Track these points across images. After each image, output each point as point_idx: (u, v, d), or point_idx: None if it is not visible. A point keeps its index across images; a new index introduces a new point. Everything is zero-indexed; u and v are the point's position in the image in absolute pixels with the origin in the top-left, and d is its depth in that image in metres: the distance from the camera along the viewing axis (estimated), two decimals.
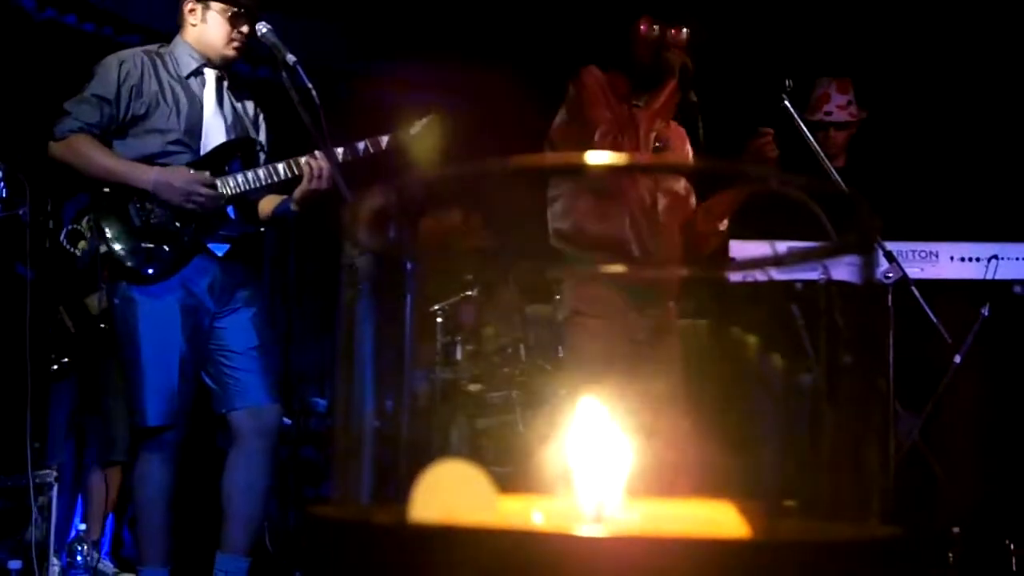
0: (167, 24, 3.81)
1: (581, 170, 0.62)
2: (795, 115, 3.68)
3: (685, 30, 3.50)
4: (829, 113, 4.40)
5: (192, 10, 3.58)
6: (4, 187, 3.62)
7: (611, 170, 0.60)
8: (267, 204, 3.69)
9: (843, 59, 4.83)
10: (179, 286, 3.44)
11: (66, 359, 4.35)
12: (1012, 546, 3.91)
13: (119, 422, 4.51)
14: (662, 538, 0.52)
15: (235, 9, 3.53)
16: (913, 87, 5.22)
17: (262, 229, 3.72)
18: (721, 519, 0.59)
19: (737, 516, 0.59)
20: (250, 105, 3.74)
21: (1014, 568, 3.89)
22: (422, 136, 3.69)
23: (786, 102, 3.65)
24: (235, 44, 3.55)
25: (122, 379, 4.55)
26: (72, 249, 4.45)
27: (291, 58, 3.39)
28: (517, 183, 0.64)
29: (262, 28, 3.44)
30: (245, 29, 3.54)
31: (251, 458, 3.49)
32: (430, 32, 5.63)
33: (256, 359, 3.54)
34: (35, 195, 3.75)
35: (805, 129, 3.72)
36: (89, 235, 4.52)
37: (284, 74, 3.55)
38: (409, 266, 0.73)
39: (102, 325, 4.37)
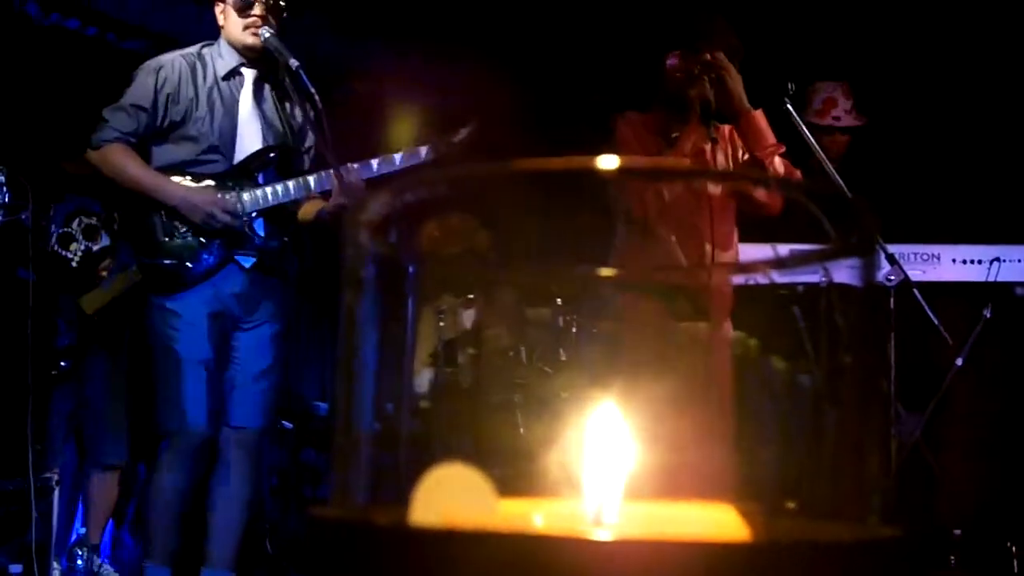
0: (170, 29, 3.80)
1: (591, 173, 0.62)
2: (797, 118, 3.68)
3: (710, 56, 3.47)
4: (838, 118, 4.41)
5: (220, 11, 3.55)
6: (6, 191, 3.61)
7: (615, 174, 0.60)
8: (309, 208, 3.64)
9: (846, 61, 4.83)
10: (209, 288, 3.43)
11: (63, 363, 4.36)
12: (1014, 548, 3.91)
13: (119, 425, 4.52)
14: (662, 541, 0.52)
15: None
16: (915, 89, 5.22)
17: (285, 240, 3.59)
18: (722, 521, 0.59)
19: (738, 518, 0.59)
20: (299, 109, 3.64)
21: (1016, 570, 3.89)
22: (464, 145, 3.59)
23: (788, 105, 3.65)
24: (252, 30, 3.48)
25: (122, 382, 4.57)
26: (63, 252, 4.46)
27: (294, 62, 3.38)
28: (519, 186, 0.64)
29: (264, 33, 3.43)
30: (258, 11, 3.49)
31: (235, 472, 3.48)
32: (439, 37, 5.62)
33: (261, 380, 3.53)
34: (37, 199, 3.75)
35: (807, 132, 3.72)
36: (80, 237, 4.53)
37: (287, 79, 3.54)
38: (411, 269, 0.73)
39: (99, 326, 4.40)
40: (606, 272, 0.74)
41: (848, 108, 4.45)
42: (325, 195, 3.54)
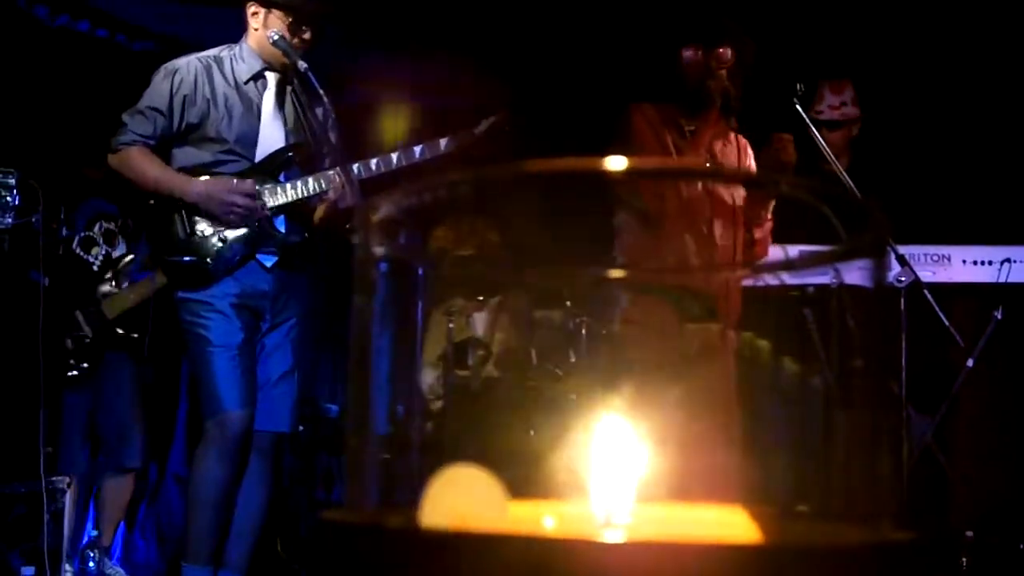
0: (181, 31, 3.80)
1: (601, 175, 0.62)
2: (805, 118, 3.68)
3: (729, 51, 3.49)
4: (820, 112, 4.42)
5: (255, 13, 3.54)
6: (17, 194, 3.63)
7: (628, 175, 0.60)
8: (323, 207, 3.65)
9: (853, 61, 4.82)
10: (232, 283, 3.44)
11: (85, 364, 4.37)
12: None
13: (137, 428, 4.53)
14: (673, 544, 0.52)
15: (297, 20, 3.48)
16: (924, 90, 5.21)
17: (306, 236, 3.58)
18: (733, 524, 0.59)
19: (749, 521, 0.59)
20: (320, 109, 3.61)
21: None
22: (488, 137, 3.54)
23: (797, 106, 3.64)
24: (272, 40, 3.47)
25: (142, 387, 4.58)
26: (85, 256, 4.49)
27: (302, 65, 3.38)
28: (531, 188, 0.64)
29: (273, 35, 3.44)
30: (307, 36, 3.49)
31: (251, 476, 3.48)
32: (444, 37, 5.62)
33: (283, 384, 3.53)
34: (48, 202, 3.76)
35: (816, 132, 3.72)
36: (101, 241, 4.56)
37: (295, 80, 3.55)
38: (421, 272, 0.73)
39: (119, 330, 4.41)
40: (620, 274, 0.74)
41: (835, 104, 4.45)
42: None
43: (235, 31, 3.61)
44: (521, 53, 5.50)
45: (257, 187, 3.45)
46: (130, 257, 4.55)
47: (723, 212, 3.48)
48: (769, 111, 3.70)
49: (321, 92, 3.37)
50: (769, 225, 3.63)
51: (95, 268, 4.51)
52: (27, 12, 5.19)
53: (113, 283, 4.49)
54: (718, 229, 3.45)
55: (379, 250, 0.68)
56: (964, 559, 3.92)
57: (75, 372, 4.35)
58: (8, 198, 3.60)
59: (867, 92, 4.54)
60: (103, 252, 4.54)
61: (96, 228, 4.56)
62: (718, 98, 3.51)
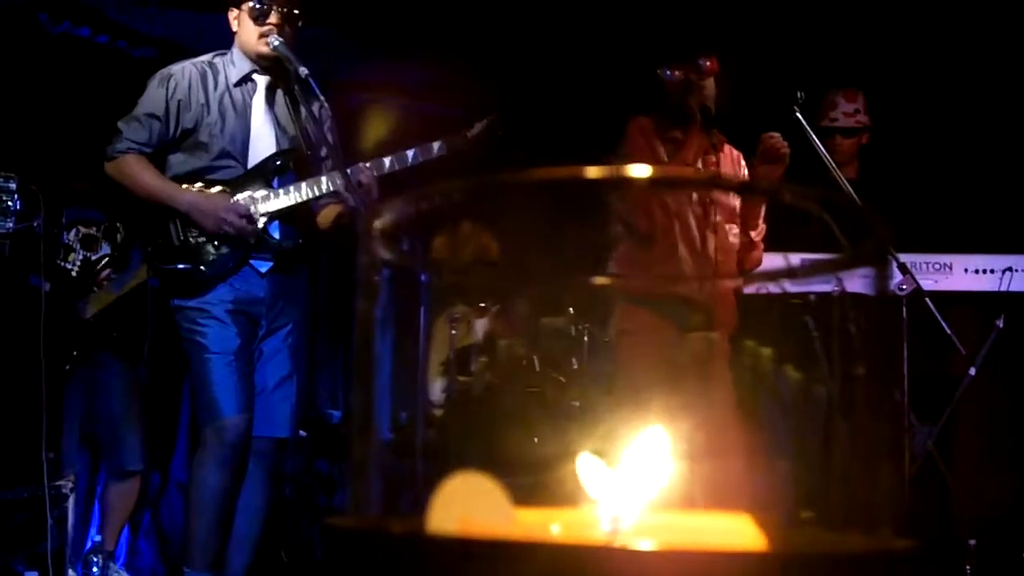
0: (182, 37, 3.80)
1: (590, 184, 0.62)
2: (806, 126, 3.68)
3: (709, 62, 3.54)
4: (835, 119, 4.44)
5: (235, 17, 3.55)
6: (18, 200, 3.63)
7: (623, 184, 0.61)
8: (329, 213, 3.64)
9: (858, 72, 4.83)
10: (226, 289, 3.43)
11: (67, 366, 4.36)
12: None
13: (136, 432, 4.53)
14: (679, 551, 0.53)
15: (258, 5, 3.46)
16: (927, 100, 5.22)
17: (300, 242, 3.56)
18: (738, 531, 0.59)
19: (754, 528, 0.60)
20: (315, 109, 3.56)
21: None
22: (481, 139, 3.53)
23: (798, 114, 3.65)
24: (266, 39, 3.46)
25: (137, 390, 4.58)
26: (63, 263, 4.49)
27: (303, 71, 3.37)
28: (531, 196, 0.65)
29: (274, 41, 3.43)
30: (273, 20, 3.48)
31: (250, 482, 3.48)
32: (439, 44, 5.62)
33: (281, 389, 3.52)
34: (49, 207, 3.76)
35: (816, 140, 3.72)
36: (78, 247, 4.55)
37: (296, 87, 3.55)
38: (423, 279, 0.73)
39: (95, 328, 4.41)
40: (621, 283, 0.75)
41: (850, 111, 4.46)
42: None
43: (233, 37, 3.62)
44: (512, 56, 5.51)
45: (251, 194, 3.45)
46: (99, 256, 4.54)
47: (716, 228, 3.51)
48: (771, 120, 3.71)
49: (322, 98, 3.37)
50: (763, 227, 3.66)
51: (73, 274, 4.50)
52: (29, 18, 5.19)
53: (95, 285, 4.49)
54: (711, 243, 3.47)
55: (382, 256, 0.68)
56: (967, 567, 3.91)
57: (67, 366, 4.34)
58: (9, 203, 3.60)
59: (869, 101, 4.55)
60: (80, 257, 4.53)
61: (72, 234, 4.56)
62: (697, 115, 3.56)
